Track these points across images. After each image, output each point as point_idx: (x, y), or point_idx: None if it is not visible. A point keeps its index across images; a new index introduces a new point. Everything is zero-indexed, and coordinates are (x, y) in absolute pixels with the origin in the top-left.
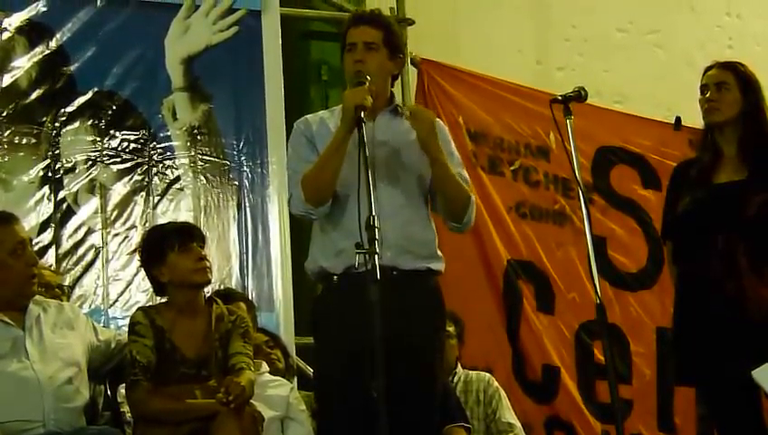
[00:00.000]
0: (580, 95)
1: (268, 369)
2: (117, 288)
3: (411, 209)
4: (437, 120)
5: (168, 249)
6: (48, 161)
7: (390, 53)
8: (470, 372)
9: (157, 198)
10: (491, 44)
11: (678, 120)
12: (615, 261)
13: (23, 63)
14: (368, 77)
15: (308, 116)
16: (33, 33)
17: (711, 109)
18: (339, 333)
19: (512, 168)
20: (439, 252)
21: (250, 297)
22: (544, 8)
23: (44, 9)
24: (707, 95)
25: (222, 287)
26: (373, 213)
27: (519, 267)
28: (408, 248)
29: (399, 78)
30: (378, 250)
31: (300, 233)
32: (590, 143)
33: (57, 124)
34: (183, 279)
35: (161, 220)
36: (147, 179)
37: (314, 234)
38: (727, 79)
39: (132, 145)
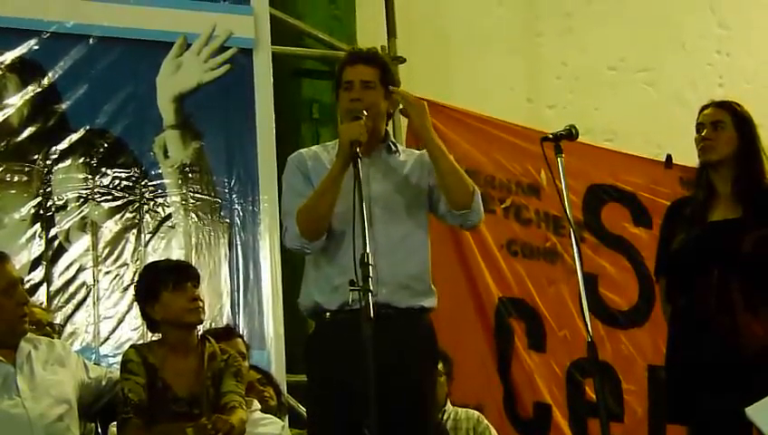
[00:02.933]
0: (570, 133)
1: (260, 407)
2: (108, 326)
3: (407, 246)
4: (427, 155)
5: (162, 287)
6: (39, 199)
7: (386, 92)
8: (459, 409)
9: (148, 236)
10: (482, 83)
11: (669, 158)
12: (606, 299)
13: (15, 101)
14: (364, 112)
15: (302, 151)
16: (25, 70)
17: (707, 148)
18: (332, 370)
19: (503, 205)
20: (433, 286)
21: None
22: (535, 46)
23: (36, 47)
24: (703, 134)
25: (213, 325)
26: (368, 250)
27: (510, 305)
28: (404, 285)
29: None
30: (372, 288)
31: (291, 271)
32: (581, 181)
33: (49, 162)
34: (176, 318)
35: (152, 258)
36: (138, 217)
37: (308, 269)
38: (723, 118)
39: (124, 183)
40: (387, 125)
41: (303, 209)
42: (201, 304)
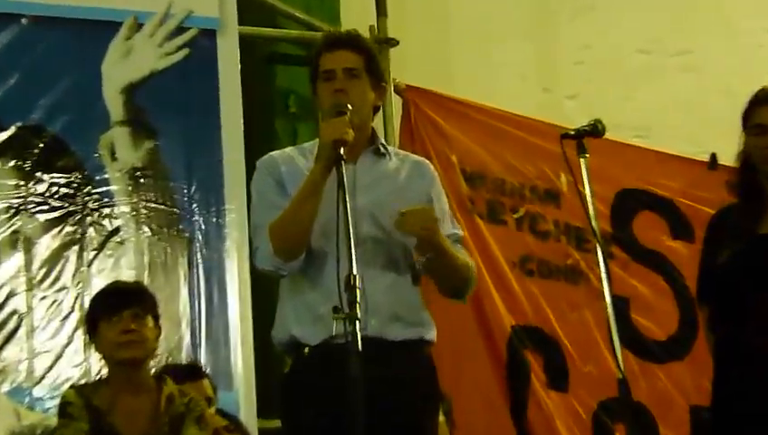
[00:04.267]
0: (595, 129)
1: None
2: (44, 362)
3: (400, 267)
4: (427, 163)
5: (99, 317)
6: None
7: (373, 82)
8: None
9: (92, 254)
10: (489, 68)
11: (714, 157)
12: (640, 326)
13: None
14: (349, 106)
15: (273, 153)
16: None
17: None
18: (312, 416)
19: (515, 215)
20: (428, 315)
21: None
22: (552, 25)
23: None
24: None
25: (171, 360)
26: (354, 271)
27: (525, 335)
28: (398, 314)
29: (381, 110)
30: (359, 316)
31: (264, 296)
32: (608, 186)
33: None
34: (109, 354)
35: (97, 281)
36: (80, 231)
37: (284, 295)
38: None
39: (63, 190)
40: (372, 121)
41: (277, 223)
42: (136, 337)
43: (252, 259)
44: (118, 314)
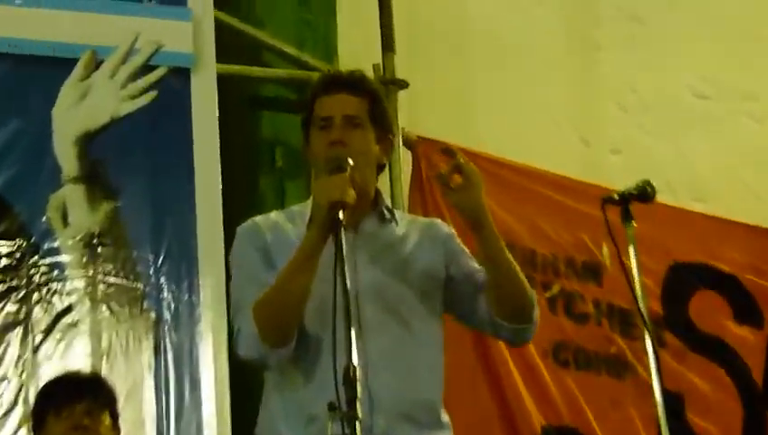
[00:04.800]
0: (644, 192)
1: None
2: None
3: (412, 355)
4: (437, 222)
5: (46, 412)
6: None
7: (379, 133)
8: None
9: (39, 338)
10: (517, 116)
11: None
12: (697, 428)
13: None
14: (350, 161)
15: (256, 219)
16: None
17: None
18: None
19: (548, 294)
20: (446, 416)
21: None
22: (592, 64)
23: None
24: None
25: None
26: (353, 362)
27: None
28: (408, 413)
29: (386, 168)
30: (360, 415)
31: (244, 390)
32: (659, 259)
33: None
34: None
35: (44, 369)
36: (24, 311)
37: (270, 390)
38: None
39: (3, 261)
40: (376, 182)
41: (263, 303)
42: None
43: (232, 345)
44: (68, 407)
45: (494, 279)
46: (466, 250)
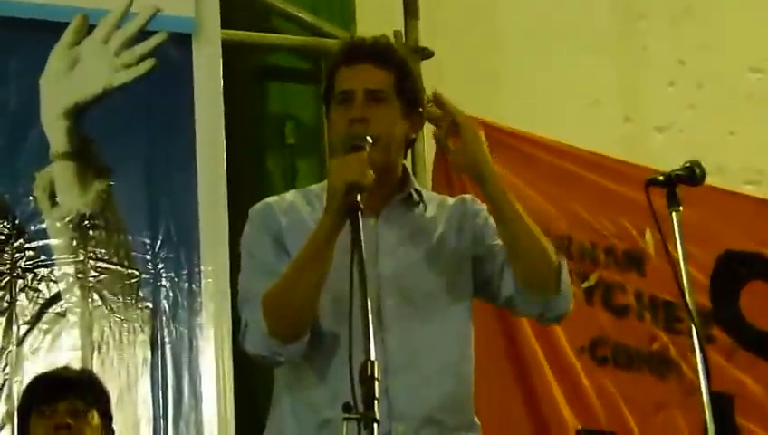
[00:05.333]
0: (692, 173)
1: None
2: None
3: (438, 357)
4: (466, 198)
5: (31, 411)
6: None
7: (406, 108)
8: None
9: (24, 329)
10: (552, 90)
11: None
12: (747, 433)
13: None
14: (368, 139)
15: (271, 200)
16: None
17: None
18: None
19: (585, 284)
20: (476, 418)
21: None
22: (636, 34)
23: None
24: None
25: None
26: (371, 357)
27: None
28: (432, 416)
29: None
30: (377, 416)
31: (250, 389)
32: (708, 247)
33: None
34: None
35: (30, 364)
36: (9, 299)
37: (280, 389)
38: None
39: None
40: (405, 158)
41: (273, 294)
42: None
43: (236, 340)
44: (51, 406)
45: (509, 239)
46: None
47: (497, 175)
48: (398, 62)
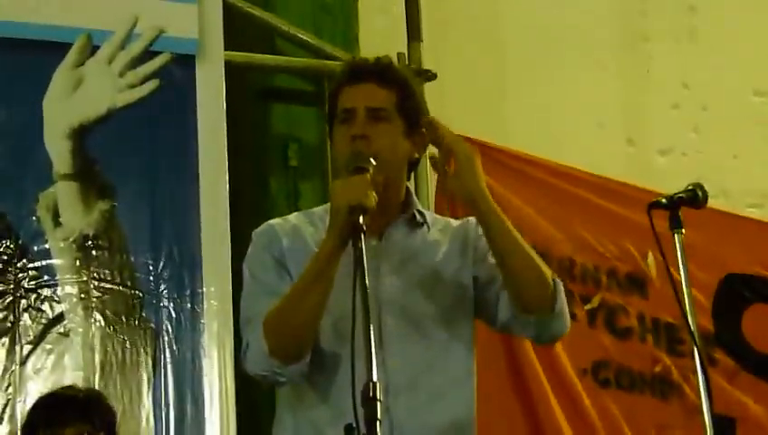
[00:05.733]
0: (695, 196)
1: None
2: None
3: (440, 374)
4: (470, 221)
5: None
6: None
7: (408, 127)
8: None
9: (27, 349)
10: (555, 112)
11: None
12: None
13: None
14: (372, 161)
15: (274, 222)
16: None
17: None
18: None
19: (587, 307)
20: None
21: None
22: (640, 57)
23: None
24: None
25: None
26: (374, 378)
27: None
28: None
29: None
30: None
31: (252, 409)
32: (710, 270)
33: None
34: None
35: (33, 384)
36: (12, 319)
37: (282, 408)
38: None
39: None
40: (408, 180)
41: (274, 315)
42: None
43: (239, 360)
44: (57, 431)
45: (502, 260)
46: None
47: (489, 198)
48: (400, 81)
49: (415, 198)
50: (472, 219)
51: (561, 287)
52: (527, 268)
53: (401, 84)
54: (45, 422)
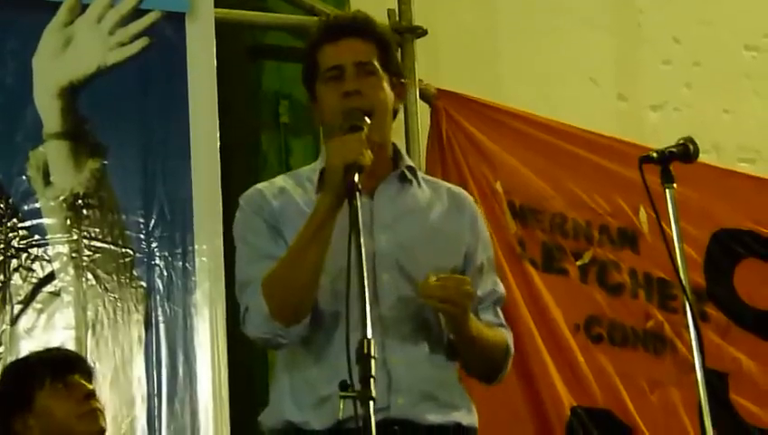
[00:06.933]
0: (686, 150)
1: None
2: None
3: (433, 332)
4: (465, 195)
5: (35, 389)
6: None
7: (391, 80)
8: None
9: (17, 308)
10: (547, 68)
11: None
12: (742, 410)
13: None
14: (366, 119)
15: (261, 186)
16: None
17: None
18: None
19: (579, 262)
20: (468, 397)
21: None
22: (632, 12)
23: None
24: None
25: None
26: (368, 335)
27: (590, 419)
28: (430, 392)
29: (403, 120)
30: (375, 394)
31: (245, 369)
32: (702, 225)
33: None
34: (63, 430)
35: (25, 343)
36: (2, 279)
37: (280, 369)
38: None
39: None
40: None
41: (273, 277)
42: (99, 405)
43: (231, 318)
44: (67, 380)
45: (462, 360)
46: (488, 242)
47: (471, 328)
48: (378, 34)
49: (404, 153)
50: (466, 194)
51: (511, 352)
52: (490, 359)
53: (380, 38)
54: (47, 374)
